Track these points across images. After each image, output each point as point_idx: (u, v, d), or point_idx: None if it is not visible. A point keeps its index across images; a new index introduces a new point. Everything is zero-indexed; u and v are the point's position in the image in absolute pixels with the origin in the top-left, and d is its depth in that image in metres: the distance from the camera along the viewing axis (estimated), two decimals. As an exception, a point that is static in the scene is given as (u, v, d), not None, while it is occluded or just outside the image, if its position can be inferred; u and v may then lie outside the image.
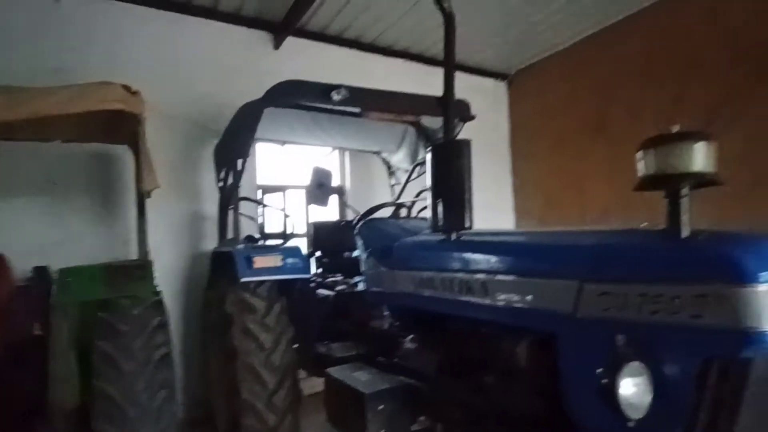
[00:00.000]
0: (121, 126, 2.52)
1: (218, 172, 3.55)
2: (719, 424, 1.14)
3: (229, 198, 3.37)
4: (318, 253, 3.93)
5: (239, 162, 3.08)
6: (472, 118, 3.55)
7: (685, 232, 1.26)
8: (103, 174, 3.87)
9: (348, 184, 5.24)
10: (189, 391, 3.86)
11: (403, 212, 3.39)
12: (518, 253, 1.67)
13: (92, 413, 2.24)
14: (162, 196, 3.71)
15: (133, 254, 3.76)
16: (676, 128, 1.30)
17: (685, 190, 1.26)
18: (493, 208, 6.21)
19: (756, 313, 1.05)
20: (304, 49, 4.85)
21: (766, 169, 3.93)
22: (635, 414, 1.18)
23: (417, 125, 3.92)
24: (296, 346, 3.00)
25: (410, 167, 4.10)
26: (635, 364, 1.19)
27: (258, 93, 3.04)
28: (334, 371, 2.43)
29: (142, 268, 2.62)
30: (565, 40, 5.45)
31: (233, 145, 3.16)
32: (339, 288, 3.42)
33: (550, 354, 1.47)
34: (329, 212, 5.15)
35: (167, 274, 3.78)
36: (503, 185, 6.53)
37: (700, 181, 1.26)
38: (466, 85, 6.26)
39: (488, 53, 5.72)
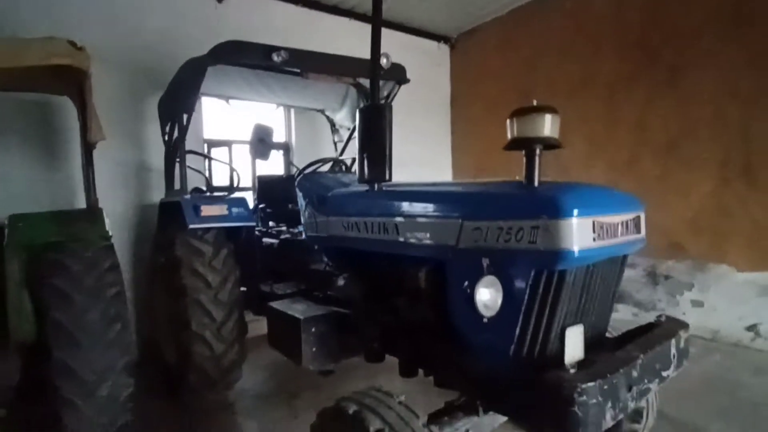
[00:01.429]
0: (64, 78, 2.59)
1: (163, 125, 3.67)
2: (545, 315, 1.61)
3: (175, 151, 3.52)
4: (263, 205, 4.18)
5: (184, 117, 3.23)
6: (406, 81, 3.86)
7: (536, 182, 1.68)
8: (42, 123, 3.87)
9: (293, 141, 5.44)
10: (140, 333, 4.12)
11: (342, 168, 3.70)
12: (420, 200, 2.05)
13: (49, 343, 2.41)
14: (107, 146, 3.80)
15: (78, 202, 3.86)
16: (534, 102, 1.69)
17: (537, 150, 1.67)
18: (433, 165, 6.65)
19: (568, 239, 1.48)
20: (249, 2, 4.87)
21: (650, 135, 4.61)
22: (489, 313, 1.64)
23: (358, 86, 4.16)
24: (244, 288, 3.33)
25: (352, 125, 4.39)
26: (491, 278, 1.63)
27: (202, 46, 3.15)
28: (275, 304, 2.79)
29: (92, 214, 2.79)
30: (502, 6, 5.79)
31: (177, 99, 3.29)
32: (284, 236, 3.74)
33: (441, 276, 1.90)
34: (275, 167, 5.37)
35: (115, 223, 3.91)
36: (443, 144, 6.96)
37: (548, 143, 1.67)
38: (411, 46, 6.52)
39: (433, 14, 5.94)
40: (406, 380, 2.23)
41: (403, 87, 4.04)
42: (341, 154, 4.58)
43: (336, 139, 4.83)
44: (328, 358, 2.52)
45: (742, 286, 4.03)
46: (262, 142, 2.78)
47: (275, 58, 2.78)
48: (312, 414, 1.79)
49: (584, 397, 1.33)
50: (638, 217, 1.77)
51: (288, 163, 5.32)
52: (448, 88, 6.87)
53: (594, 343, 1.80)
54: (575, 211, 1.49)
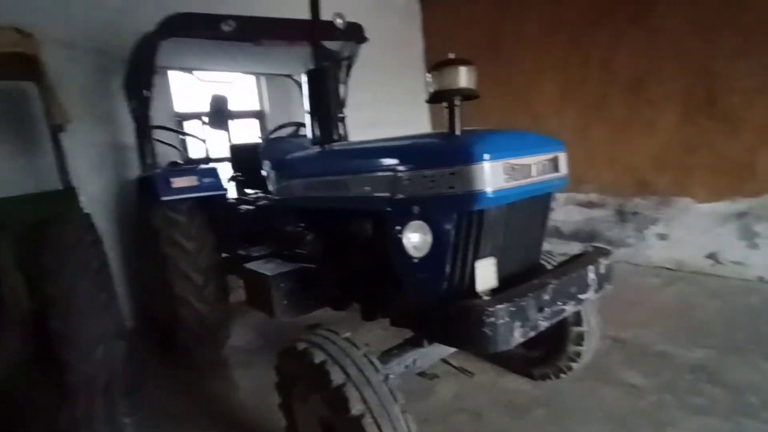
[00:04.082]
0: (21, 65, 2.65)
1: (129, 102, 3.74)
2: (469, 252, 1.77)
3: (142, 127, 3.61)
4: (239, 173, 4.30)
5: (145, 92, 3.30)
6: (365, 40, 3.88)
7: (458, 132, 1.81)
8: (14, 110, 3.94)
9: (267, 108, 5.49)
10: (135, 303, 4.37)
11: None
12: (361, 157, 2.19)
13: (45, 315, 2.63)
14: (83, 127, 3.90)
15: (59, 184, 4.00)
16: (451, 56, 1.79)
17: (456, 101, 1.78)
18: (409, 124, 6.68)
19: (480, 181, 1.63)
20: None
21: (616, 77, 4.64)
22: (418, 253, 1.81)
23: (319, 48, 4.17)
24: (226, 255, 3.52)
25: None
26: (418, 222, 1.79)
27: (159, 18, 3.18)
28: (248, 265, 2.98)
29: (66, 193, 2.94)
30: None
31: (137, 77, 3.36)
32: (261, 203, 3.89)
33: (383, 226, 2.06)
34: (253, 136, 5.45)
35: (98, 200, 4.09)
36: (419, 102, 6.93)
37: (466, 94, 1.78)
38: (379, 3, 6.36)
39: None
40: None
41: (375, 47, 4.05)
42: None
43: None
44: (299, 310, 2.72)
45: (703, 217, 4.19)
46: (219, 113, 2.87)
47: (224, 27, 2.82)
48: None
49: (492, 319, 1.52)
50: (556, 158, 1.91)
51: (263, 130, 5.39)
52: (421, 44, 6.79)
53: (524, 273, 1.98)
54: (486, 156, 1.64)
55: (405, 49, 6.58)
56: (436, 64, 1.78)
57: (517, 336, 1.58)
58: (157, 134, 3.80)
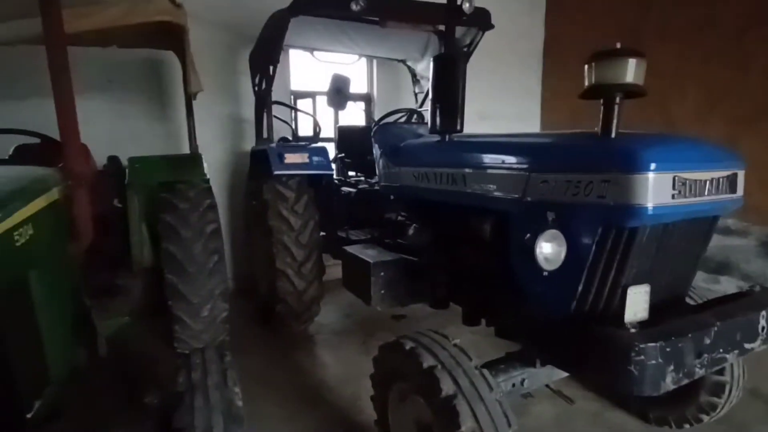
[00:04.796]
0: (167, 34, 2.86)
1: (253, 77, 3.90)
2: (611, 273, 1.55)
3: (262, 102, 3.75)
4: (343, 155, 4.34)
5: (270, 68, 3.41)
6: (491, 27, 3.65)
7: (614, 133, 1.57)
8: (154, 77, 4.32)
9: (375, 92, 5.47)
10: (236, 267, 4.64)
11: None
12: (488, 152, 2.02)
13: (163, 269, 2.84)
14: (208, 99, 4.15)
15: (184, 148, 4.33)
16: (618, 45, 1.54)
17: (617, 99, 1.54)
18: (520, 119, 6.30)
19: (641, 194, 1.39)
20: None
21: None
22: (549, 266, 1.61)
23: (440, 34, 4.02)
24: (323, 234, 3.56)
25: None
26: (554, 232, 1.59)
27: (287, -1, 3.25)
28: (349, 248, 2.97)
29: (193, 159, 3.14)
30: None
31: (264, 52, 3.47)
32: (361, 186, 3.89)
33: (505, 228, 1.89)
34: (358, 118, 5.48)
35: (216, 168, 4.35)
36: (533, 97, 6.51)
37: (630, 90, 1.53)
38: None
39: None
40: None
41: (491, 34, 3.82)
42: (421, 105, 4.54)
43: (417, 90, 4.78)
44: (396, 301, 2.65)
45: None
46: (339, 93, 2.86)
47: (353, 6, 2.79)
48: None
49: (642, 357, 1.29)
50: (734, 175, 1.58)
51: (369, 114, 5.39)
52: (542, 35, 6.32)
53: (669, 306, 1.70)
54: (652, 165, 1.39)
55: (523, 39, 6.16)
56: (598, 54, 1.55)
57: (669, 382, 1.34)
58: (274, 110, 3.93)
